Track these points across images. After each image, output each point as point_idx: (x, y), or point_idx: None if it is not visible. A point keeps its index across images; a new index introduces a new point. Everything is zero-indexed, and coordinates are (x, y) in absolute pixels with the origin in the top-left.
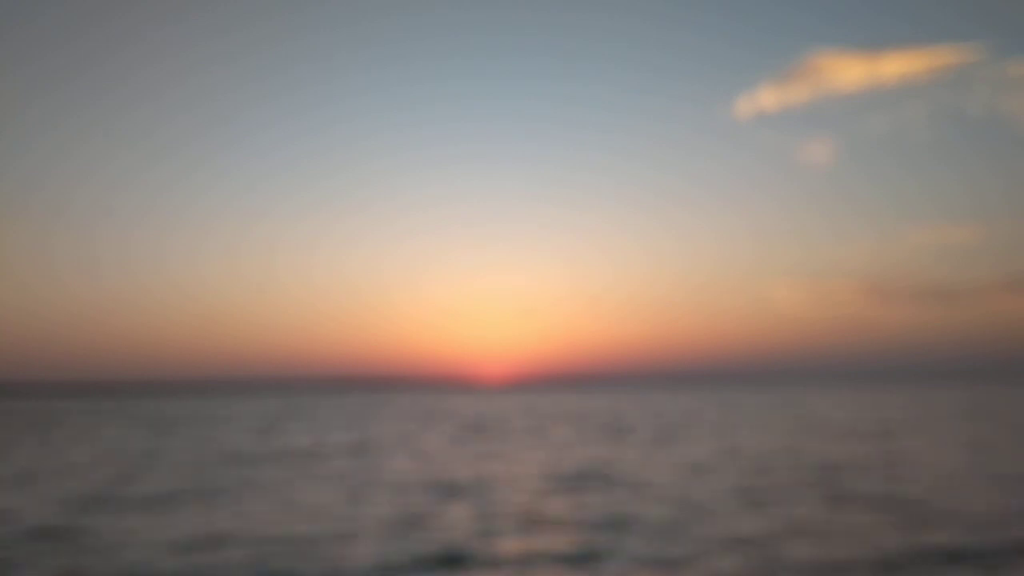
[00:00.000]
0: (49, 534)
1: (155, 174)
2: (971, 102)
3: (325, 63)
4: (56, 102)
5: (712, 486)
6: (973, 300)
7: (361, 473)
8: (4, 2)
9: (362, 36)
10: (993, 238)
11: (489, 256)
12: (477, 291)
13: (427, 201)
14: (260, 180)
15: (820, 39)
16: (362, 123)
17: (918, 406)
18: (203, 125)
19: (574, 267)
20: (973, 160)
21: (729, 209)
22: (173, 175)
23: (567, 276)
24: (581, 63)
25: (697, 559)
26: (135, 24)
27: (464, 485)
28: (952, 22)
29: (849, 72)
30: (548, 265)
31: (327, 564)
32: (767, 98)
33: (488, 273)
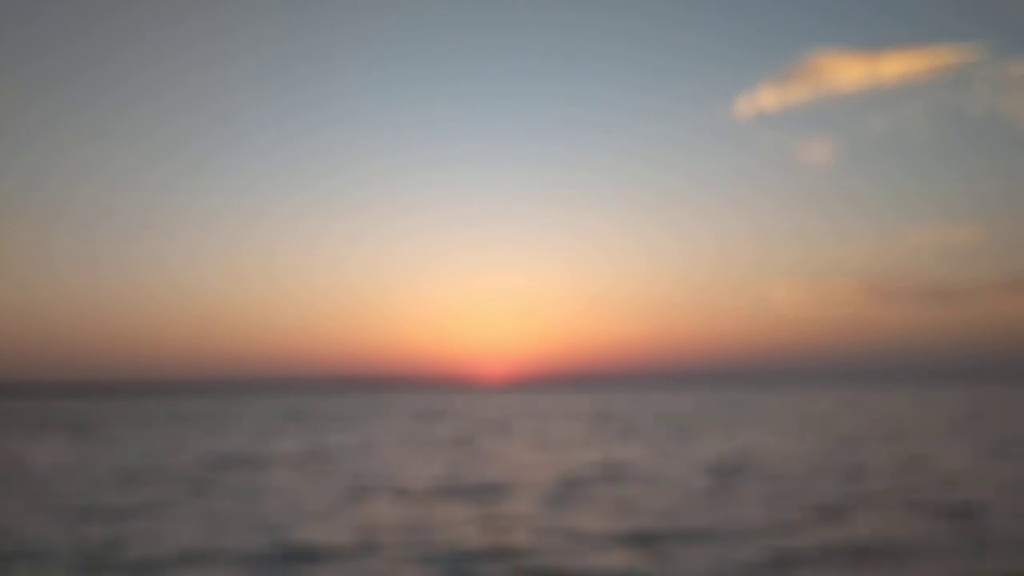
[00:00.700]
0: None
1: (155, 174)
2: (971, 102)
3: (325, 63)
4: (56, 102)
5: (774, 497)
6: (973, 300)
7: (373, 474)
8: (4, 2)
9: (362, 36)
10: (993, 238)
11: (489, 256)
12: (477, 291)
13: (427, 201)
14: (260, 180)
15: (820, 39)
16: (362, 123)
17: (923, 406)
18: (203, 125)
19: (574, 267)
20: (973, 160)
21: (729, 209)
22: (173, 175)
23: (567, 276)
24: (581, 63)
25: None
26: (135, 24)
27: (503, 486)
28: (952, 22)
29: (849, 72)
30: (548, 265)
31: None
32: (767, 98)
33: (488, 273)
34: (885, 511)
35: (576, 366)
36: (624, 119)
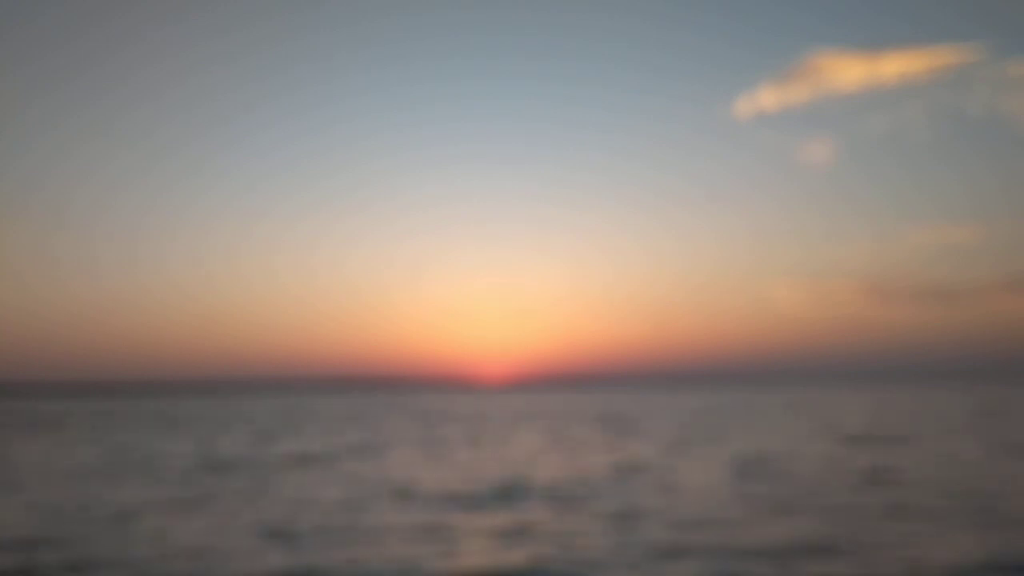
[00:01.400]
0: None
1: (155, 174)
2: (971, 102)
3: (325, 63)
4: (56, 102)
5: (832, 505)
6: (973, 300)
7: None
8: (4, 2)
9: (362, 36)
10: (993, 238)
11: (489, 256)
12: (477, 291)
13: (427, 201)
14: (260, 180)
15: (820, 39)
16: (362, 123)
17: (929, 407)
18: (203, 125)
19: (574, 267)
20: (973, 160)
21: (729, 209)
22: (173, 175)
23: (567, 276)
24: (581, 63)
25: None
26: (135, 24)
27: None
28: (952, 22)
29: (849, 72)
30: (548, 265)
31: None
32: (767, 98)
33: (488, 273)
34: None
35: (576, 366)
36: (624, 119)
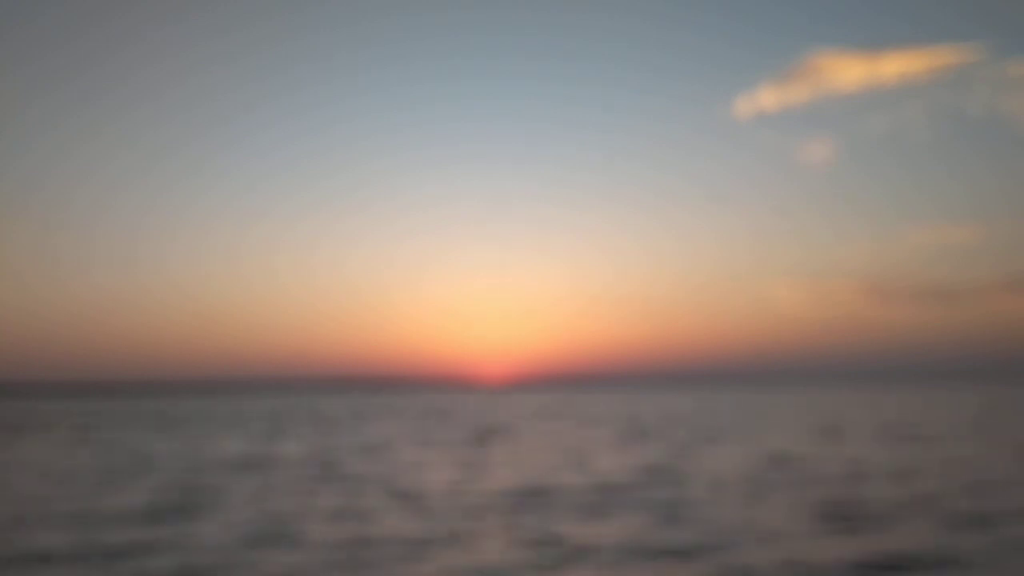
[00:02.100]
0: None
1: (155, 174)
2: (971, 102)
3: (325, 63)
4: (56, 102)
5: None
6: (973, 300)
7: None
8: (4, 2)
9: (362, 36)
10: (993, 238)
11: (489, 256)
12: (477, 291)
13: (427, 201)
14: (260, 180)
15: (820, 39)
16: (362, 123)
17: (933, 407)
18: (203, 125)
19: (574, 267)
20: (973, 160)
21: (729, 209)
22: (173, 175)
23: (567, 276)
24: (581, 63)
25: None
26: (135, 24)
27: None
28: (952, 22)
29: (849, 72)
30: (548, 265)
31: None
32: (767, 98)
33: (488, 273)
34: None
35: (576, 366)
36: (624, 119)
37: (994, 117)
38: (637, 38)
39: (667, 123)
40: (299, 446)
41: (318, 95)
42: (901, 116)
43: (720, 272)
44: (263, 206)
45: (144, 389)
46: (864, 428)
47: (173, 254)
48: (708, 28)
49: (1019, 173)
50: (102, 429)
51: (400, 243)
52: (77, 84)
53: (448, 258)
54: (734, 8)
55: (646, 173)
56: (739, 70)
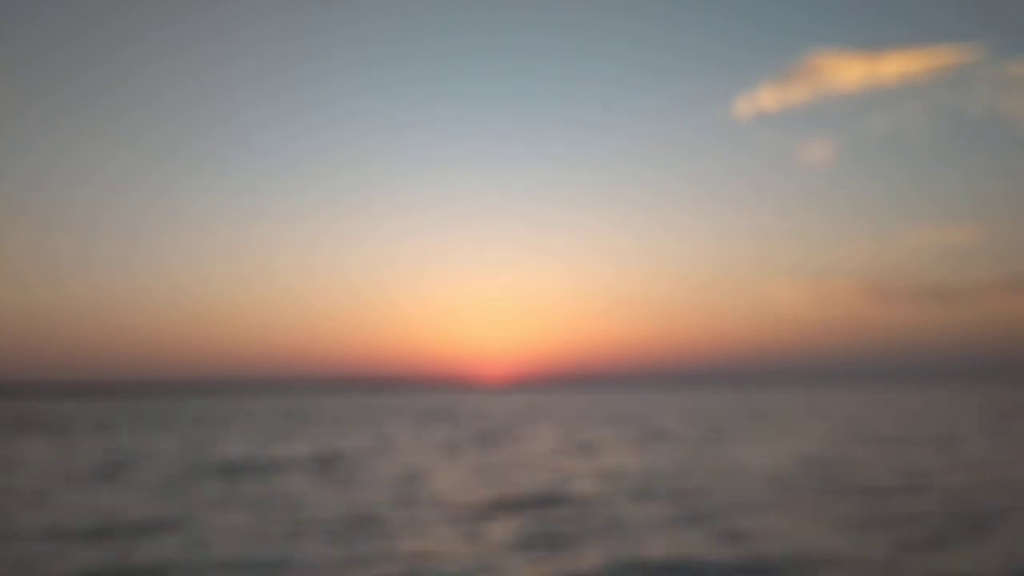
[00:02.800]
0: None
1: (155, 174)
2: (971, 102)
3: (325, 63)
4: (56, 102)
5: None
6: (973, 300)
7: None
8: (4, 2)
9: (362, 36)
10: (993, 238)
11: (489, 256)
12: (477, 291)
13: (427, 201)
14: (260, 180)
15: (820, 39)
16: (362, 123)
17: (939, 407)
18: (203, 125)
19: (574, 267)
20: (973, 160)
21: (729, 209)
22: (173, 175)
23: (567, 276)
24: (581, 63)
25: None
26: (135, 24)
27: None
28: (952, 22)
29: (849, 72)
30: (548, 265)
31: None
32: (767, 98)
33: (488, 273)
34: None
35: (576, 366)
36: (624, 119)
37: (994, 117)
38: (637, 38)
39: (667, 123)
40: (309, 447)
41: (318, 95)
42: (901, 116)
43: (720, 272)
44: (263, 206)
45: (144, 389)
46: (885, 429)
47: (173, 254)
48: (708, 28)
49: (1019, 173)
50: (101, 430)
51: (400, 243)
52: (77, 84)
53: (448, 258)
54: (734, 8)
55: (646, 173)
56: (739, 70)
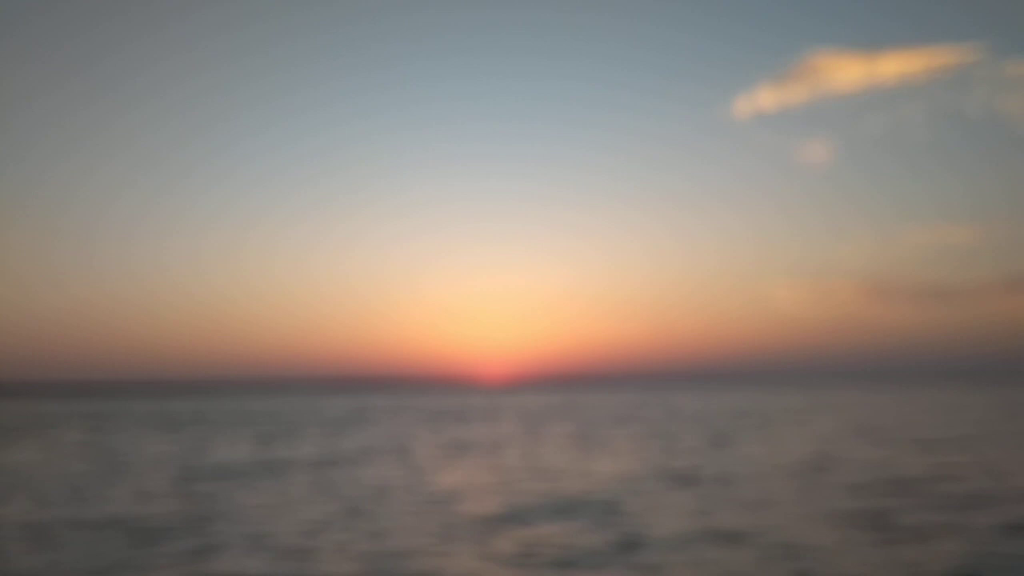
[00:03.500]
0: None
1: (155, 174)
2: (970, 102)
3: (325, 64)
4: (56, 102)
5: None
6: (972, 300)
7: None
8: (4, 2)
9: (361, 37)
10: (992, 238)
11: (489, 256)
12: (477, 291)
13: (427, 201)
14: (260, 180)
15: (819, 39)
16: (362, 124)
17: (946, 407)
18: (203, 126)
19: (574, 267)
20: (972, 160)
21: (729, 209)
22: (173, 175)
23: (567, 276)
24: (581, 63)
25: None
26: (135, 24)
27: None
28: (951, 22)
29: (848, 72)
30: (548, 265)
31: None
32: (766, 98)
33: (488, 273)
34: None
35: (576, 366)
36: (624, 119)
37: (993, 117)
38: (637, 38)
39: (667, 123)
40: (317, 449)
41: (317, 96)
42: (900, 116)
43: (720, 272)
44: (262, 207)
45: (144, 389)
46: (899, 430)
47: (173, 254)
48: (708, 28)
49: (1018, 173)
50: (102, 430)
51: (399, 243)
52: (77, 84)
53: (448, 258)
54: (734, 8)
55: (646, 173)
56: (738, 70)
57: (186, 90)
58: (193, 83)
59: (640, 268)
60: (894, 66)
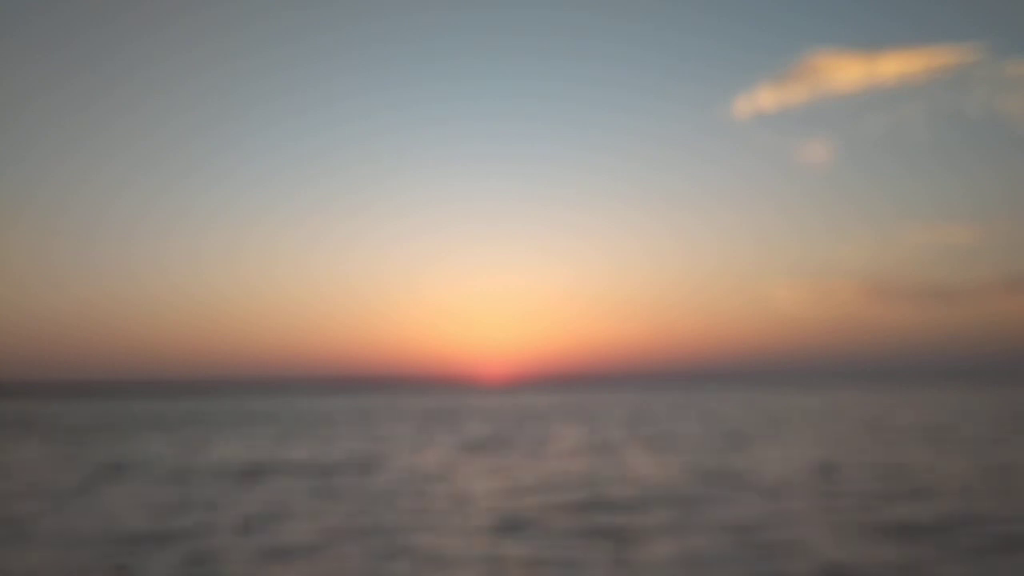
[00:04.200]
0: None
1: (155, 175)
2: (970, 102)
3: (324, 64)
4: (56, 102)
5: None
6: (972, 300)
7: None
8: (4, 2)
9: (361, 37)
10: (993, 238)
11: (489, 256)
12: (477, 291)
13: (427, 201)
14: (260, 180)
15: (819, 39)
16: (362, 124)
17: (953, 407)
18: (203, 126)
19: (574, 267)
20: (972, 160)
21: (729, 209)
22: (173, 176)
23: (567, 276)
24: (580, 63)
25: None
26: (135, 24)
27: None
28: (951, 22)
29: (848, 72)
30: (548, 265)
31: None
32: (766, 98)
33: (488, 273)
34: None
35: (576, 366)
36: (624, 119)
37: (993, 117)
38: (637, 38)
39: (667, 123)
40: (326, 449)
41: (317, 96)
42: (900, 116)
43: (720, 272)
44: (263, 206)
45: (144, 389)
46: (909, 431)
47: (173, 255)
48: (708, 28)
49: (1018, 173)
50: (101, 431)
51: (400, 243)
52: (77, 84)
53: (448, 258)
54: (734, 8)
55: (646, 173)
56: (738, 70)
57: (186, 90)
58: (193, 83)
59: (640, 268)
60: (894, 66)
